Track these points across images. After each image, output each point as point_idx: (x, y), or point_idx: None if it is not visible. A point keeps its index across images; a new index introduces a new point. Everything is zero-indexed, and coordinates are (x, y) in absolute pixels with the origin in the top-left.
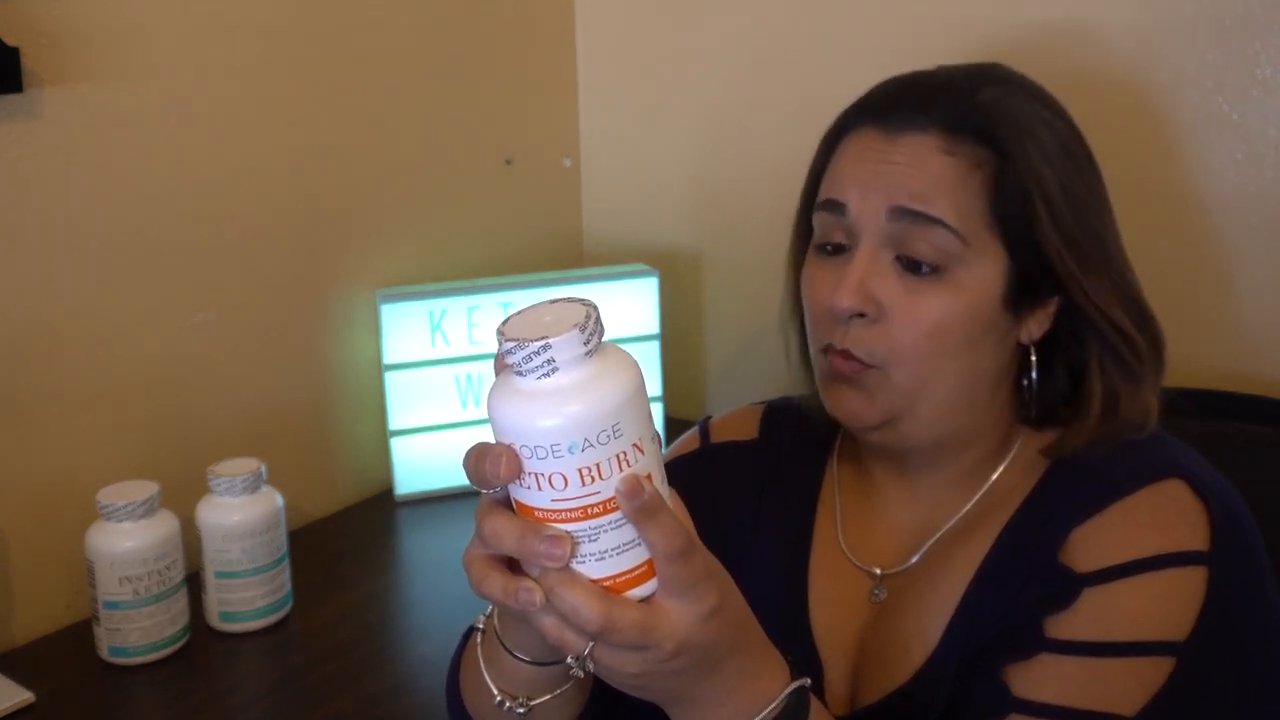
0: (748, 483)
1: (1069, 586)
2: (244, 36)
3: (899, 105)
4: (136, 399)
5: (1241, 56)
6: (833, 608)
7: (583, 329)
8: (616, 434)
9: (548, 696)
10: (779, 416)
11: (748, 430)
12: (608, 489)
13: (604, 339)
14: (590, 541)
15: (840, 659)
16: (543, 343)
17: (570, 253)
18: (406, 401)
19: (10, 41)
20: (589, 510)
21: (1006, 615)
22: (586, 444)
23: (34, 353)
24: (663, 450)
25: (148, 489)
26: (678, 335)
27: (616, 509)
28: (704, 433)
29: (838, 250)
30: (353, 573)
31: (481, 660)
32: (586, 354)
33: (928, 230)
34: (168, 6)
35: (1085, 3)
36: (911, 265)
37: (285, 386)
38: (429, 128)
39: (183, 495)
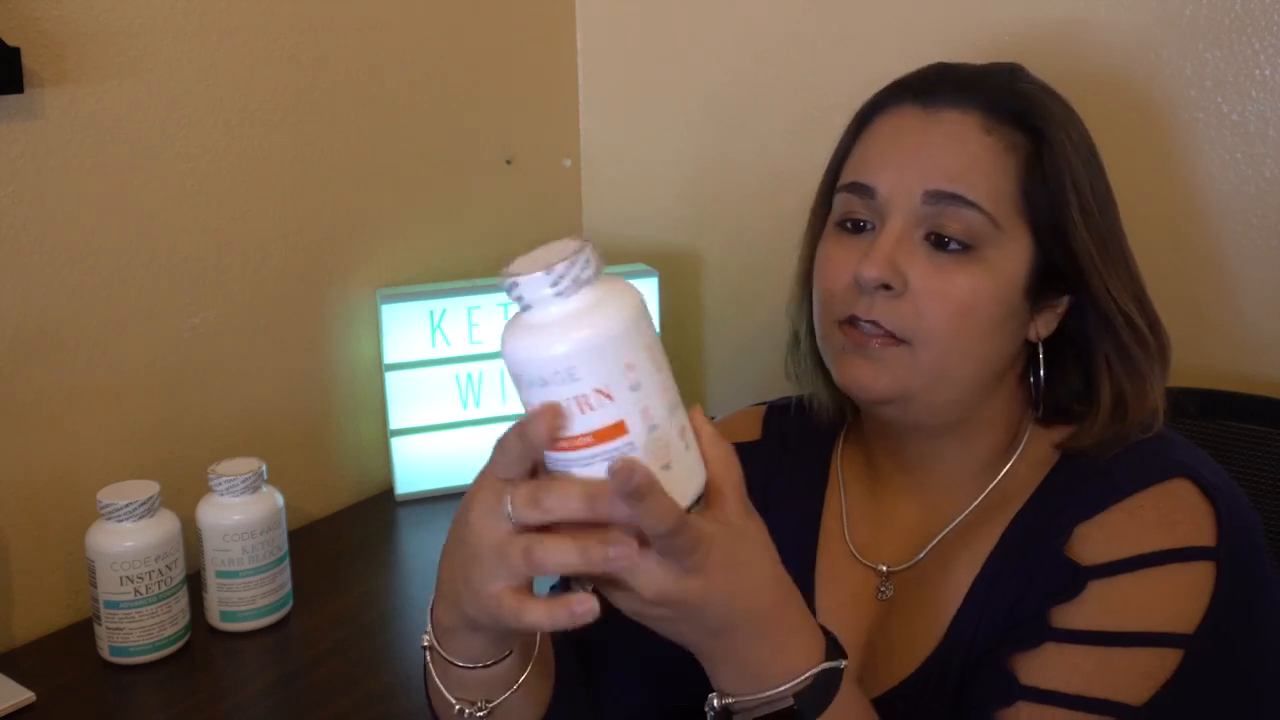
0: (751, 484)
1: (1074, 578)
2: (244, 37)
3: (940, 86)
4: (136, 399)
5: (1241, 56)
6: (840, 607)
7: (549, 271)
8: (573, 378)
9: (505, 695)
10: (781, 416)
11: (750, 431)
12: (571, 426)
13: (591, 279)
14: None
15: (848, 657)
16: (511, 280)
17: None
18: (406, 401)
19: (11, 42)
20: (565, 442)
21: (1013, 609)
22: (542, 381)
23: (34, 353)
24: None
25: (148, 489)
26: (678, 335)
27: (582, 446)
28: None
29: (859, 228)
30: (353, 573)
31: (435, 675)
32: (556, 294)
33: (962, 212)
34: (168, 6)
35: (1085, 3)
36: (940, 243)
37: (285, 386)
38: (429, 128)
39: (183, 495)
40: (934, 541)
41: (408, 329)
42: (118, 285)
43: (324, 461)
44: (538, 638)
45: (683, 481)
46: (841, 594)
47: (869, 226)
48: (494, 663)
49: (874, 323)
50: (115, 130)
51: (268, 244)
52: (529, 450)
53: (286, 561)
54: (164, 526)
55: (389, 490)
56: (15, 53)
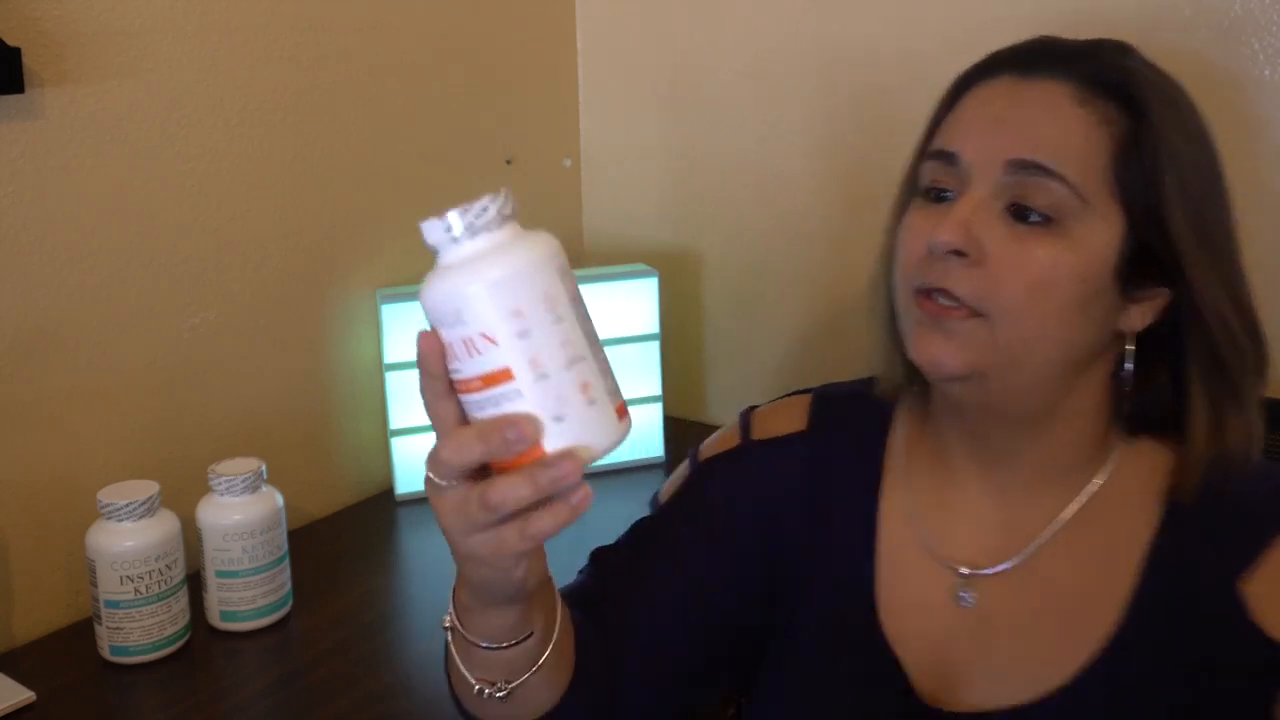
0: (798, 479)
1: (1276, 658)
2: (244, 37)
3: (1038, 57)
4: (136, 399)
5: (1241, 56)
6: (911, 607)
7: (442, 216)
8: (460, 320)
9: (525, 676)
10: (829, 404)
11: (794, 422)
12: (464, 369)
13: (490, 226)
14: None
15: (924, 661)
16: (419, 225)
17: (570, 253)
18: (406, 401)
19: (11, 42)
20: (462, 384)
21: (1195, 682)
22: (439, 323)
23: (34, 353)
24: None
25: (148, 488)
26: (678, 335)
27: (474, 390)
28: (745, 428)
29: (941, 197)
30: (353, 573)
31: (456, 656)
32: (451, 240)
33: (1046, 183)
34: (168, 6)
35: (1085, 3)
36: (1022, 214)
37: (285, 386)
38: (429, 128)
39: (183, 495)
40: (1027, 551)
41: (408, 329)
42: (118, 285)
43: (324, 461)
44: (558, 617)
45: (578, 436)
46: (911, 592)
47: (952, 195)
48: (515, 643)
49: (947, 291)
50: (115, 130)
51: (268, 244)
52: (432, 389)
53: (286, 561)
54: (164, 526)
55: (389, 490)
56: (15, 53)
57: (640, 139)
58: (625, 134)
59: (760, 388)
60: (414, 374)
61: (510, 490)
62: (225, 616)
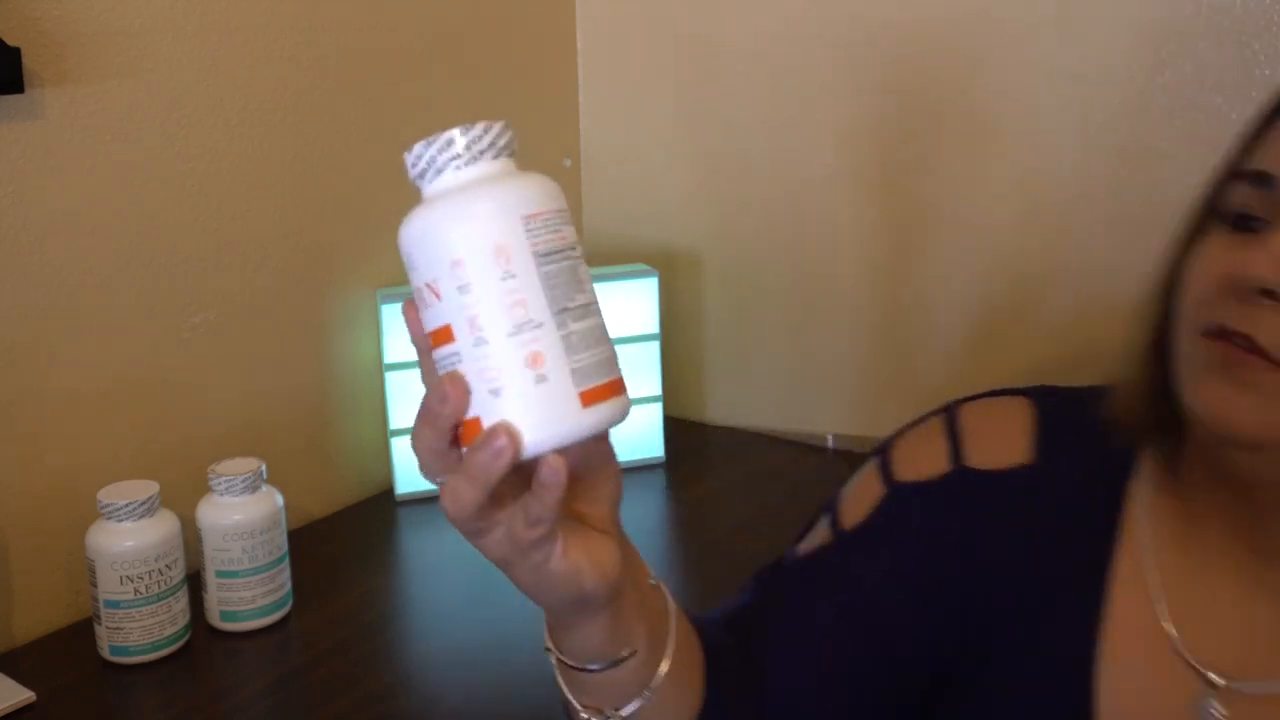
0: (1017, 524)
1: None
2: (244, 37)
3: None
4: (137, 399)
5: (1241, 56)
6: (1135, 706)
7: (409, 152)
8: (412, 265)
9: (637, 704)
10: (1058, 430)
11: (1016, 449)
12: (424, 321)
13: (451, 166)
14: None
15: None
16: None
17: None
18: (406, 401)
19: (11, 41)
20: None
21: None
22: (406, 267)
23: (34, 353)
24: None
25: (148, 488)
26: (678, 335)
27: (430, 348)
28: (953, 446)
29: (1251, 226)
30: (353, 573)
31: (560, 680)
32: (418, 175)
33: None
34: (168, 6)
35: (1083, 2)
36: None
37: (285, 386)
38: (430, 128)
39: (183, 495)
40: None
41: (408, 329)
42: (118, 285)
43: (324, 461)
44: (670, 637)
45: (513, 416)
46: (1140, 689)
47: (1266, 225)
48: (614, 663)
49: (1250, 338)
50: (115, 130)
51: (268, 244)
52: (425, 365)
53: (286, 561)
54: (164, 526)
55: (389, 490)
56: (15, 53)
57: (640, 139)
58: (625, 134)
59: (761, 388)
60: (414, 374)
61: (457, 491)
62: (225, 616)
